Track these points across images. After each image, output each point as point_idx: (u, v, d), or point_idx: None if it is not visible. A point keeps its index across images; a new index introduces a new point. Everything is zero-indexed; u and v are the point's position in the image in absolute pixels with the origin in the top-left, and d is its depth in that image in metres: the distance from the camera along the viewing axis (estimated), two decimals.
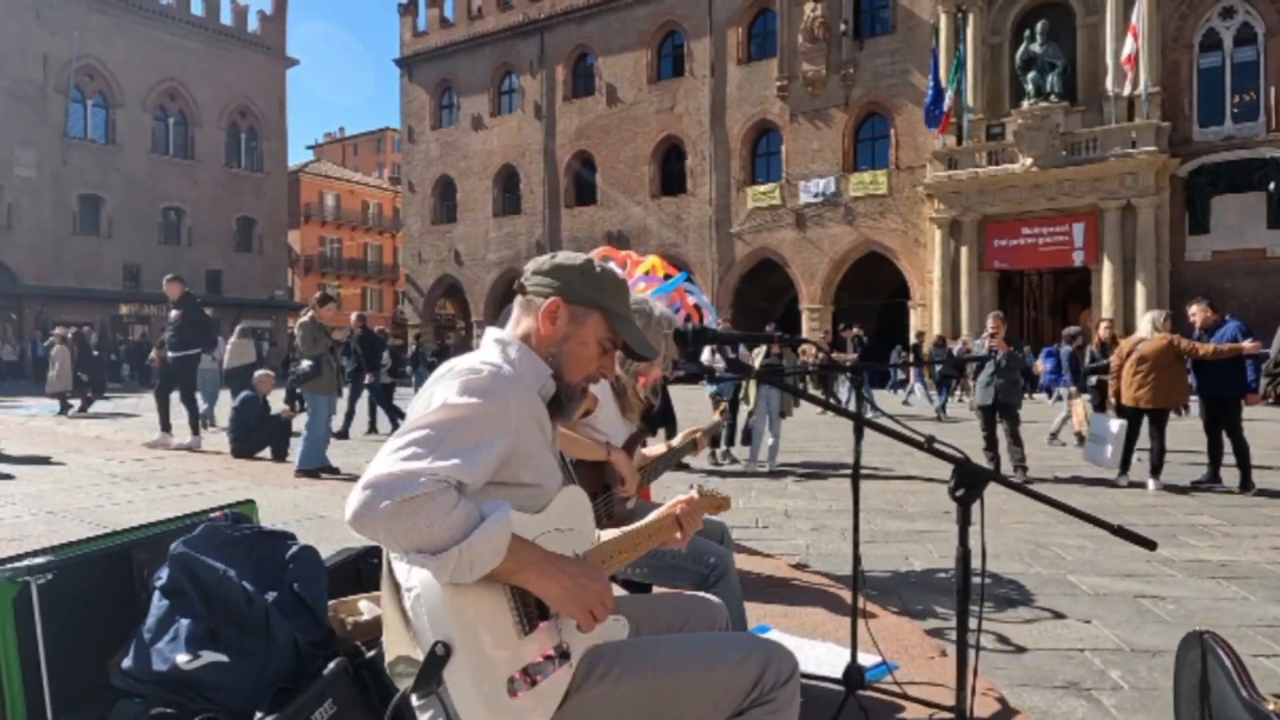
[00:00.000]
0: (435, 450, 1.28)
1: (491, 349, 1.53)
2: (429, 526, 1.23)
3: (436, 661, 1.26)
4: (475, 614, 1.31)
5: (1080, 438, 9.76)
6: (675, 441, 2.96)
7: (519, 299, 1.60)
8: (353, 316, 11.77)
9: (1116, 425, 7.38)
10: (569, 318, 1.54)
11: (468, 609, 1.30)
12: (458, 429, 1.32)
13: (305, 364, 7.76)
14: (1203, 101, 22.03)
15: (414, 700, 1.34)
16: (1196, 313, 7.71)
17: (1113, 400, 7.73)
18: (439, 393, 1.38)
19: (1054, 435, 10.48)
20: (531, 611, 1.36)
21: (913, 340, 23.18)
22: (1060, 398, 11.08)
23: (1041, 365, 11.81)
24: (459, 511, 1.25)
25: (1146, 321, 7.63)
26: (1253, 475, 6.96)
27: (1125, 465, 7.38)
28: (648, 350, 1.62)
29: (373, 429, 12.08)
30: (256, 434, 9.14)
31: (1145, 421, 7.38)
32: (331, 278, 49.81)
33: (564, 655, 1.39)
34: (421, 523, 1.22)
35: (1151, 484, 7.11)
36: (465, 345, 35.80)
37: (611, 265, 1.62)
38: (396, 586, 1.37)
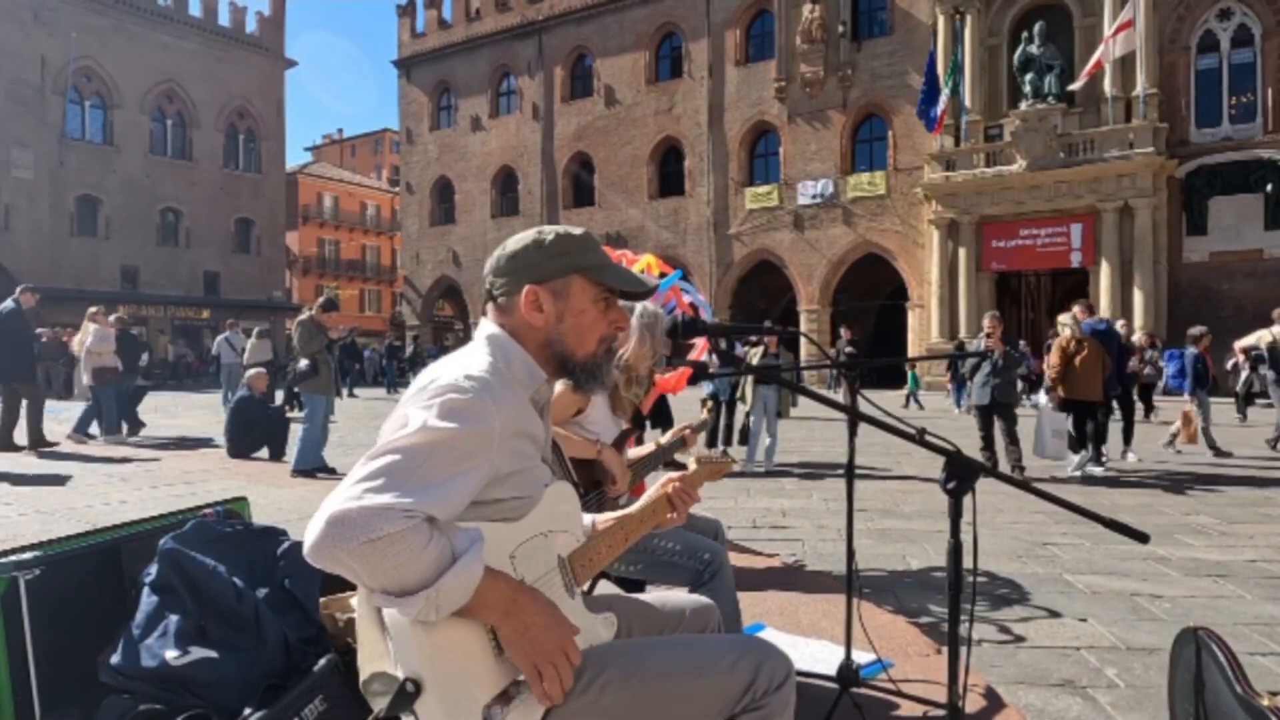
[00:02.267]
0: (407, 482, 1.17)
1: (481, 351, 1.41)
2: (396, 569, 1.14)
3: (406, 698, 1.19)
4: (447, 642, 1.23)
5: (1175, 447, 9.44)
6: (664, 439, 2.96)
7: (490, 307, 1.49)
8: (111, 318, 11.32)
9: (1064, 418, 7.97)
10: (551, 297, 1.43)
11: (439, 637, 1.22)
12: (434, 457, 1.21)
13: (303, 364, 7.77)
14: (1200, 103, 22.05)
15: None
16: (1079, 313, 8.55)
17: (1058, 396, 8.08)
18: (416, 414, 1.25)
19: (1212, 447, 9.39)
20: None
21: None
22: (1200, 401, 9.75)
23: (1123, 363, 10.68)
24: (430, 551, 1.16)
25: (1072, 320, 8.11)
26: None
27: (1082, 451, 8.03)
28: (639, 284, 1.51)
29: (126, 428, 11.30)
30: (253, 433, 9.13)
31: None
32: (330, 279, 49.77)
33: None
34: (389, 564, 1.13)
35: (1099, 470, 7.83)
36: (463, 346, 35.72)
37: (562, 227, 1.50)
38: None
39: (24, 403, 9.38)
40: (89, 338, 10.28)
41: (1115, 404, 9.24)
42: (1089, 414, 8.01)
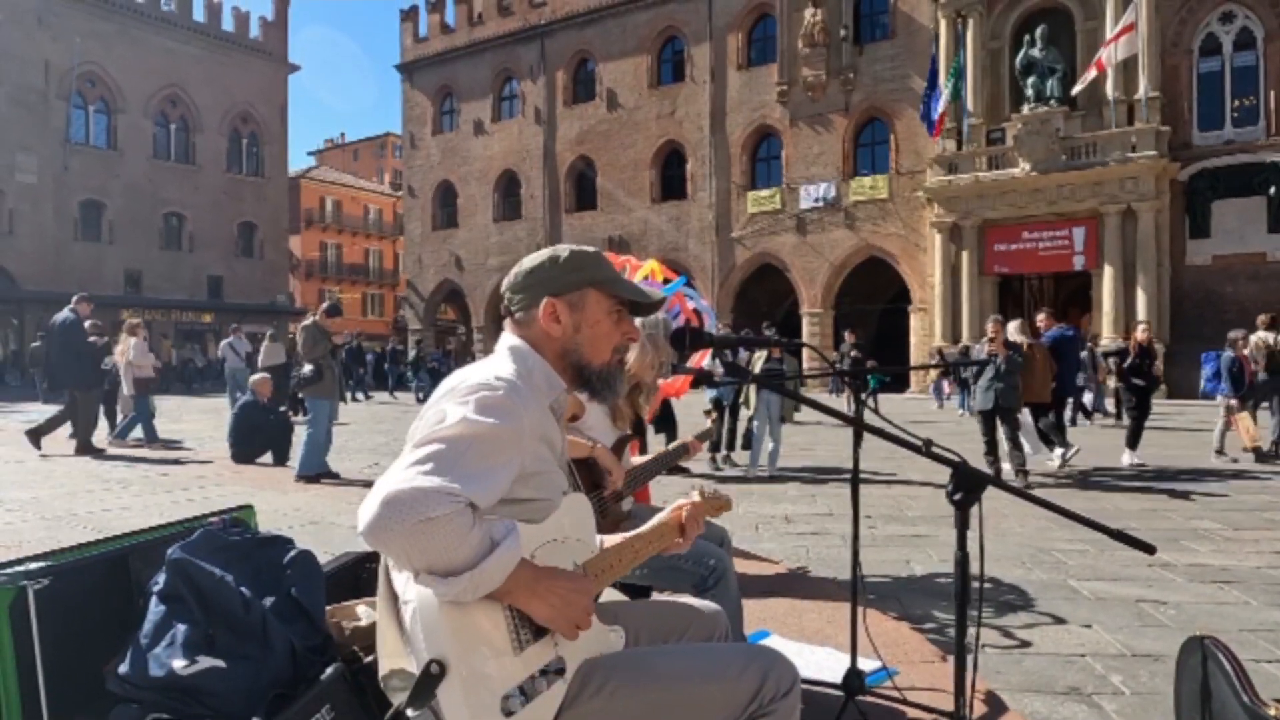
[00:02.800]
0: (453, 469, 1.24)
1: (505, 360, 1.49)
2: (445, 550, 1.20)
3: (430, 680, 1.24)
4: (472, 631, 1.29)
5: (1259, 452, 9.06)
6: (669, 447, 2.96)
7: (508, 322, 1.58)
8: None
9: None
10: (568, 309, 1.53)
11: (465, 626, 1.28)
12: (474, 449, 1.29)
13: (307, 369, 7.78)
14: (1202, 106, 22.04)
15: (409, 713, 1.33)
16: (1043, 321, 9.68)
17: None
18: (453, 409, 1.33)
19: (1219, 450, 9.29)
20: (527, 627, 1.35)
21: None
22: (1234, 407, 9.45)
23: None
24: (474, 535, 1.23)
25: (1018, 329, 8.66)
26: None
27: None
28: (648, 296, 1.62)
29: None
30: (257, 438, 9.14)
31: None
32: (332, 283, 49.81)
33: (559, 671, 1.37)
34: (439, 544, 1.20)
35: (1062, 453, 8.56)
36: (466, 350, 35.84)
37: (575, 246, 1.61)
38: (394, 597, 1.35)
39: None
40: (130, 351, 10.89)
41: (1132, 406, 9.25)
42: (1040, 414, 8.76)
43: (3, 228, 29.68)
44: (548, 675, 1.35)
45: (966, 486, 1.43)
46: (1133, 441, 9.07)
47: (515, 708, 1.29)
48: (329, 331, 7.95)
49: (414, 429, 1.36)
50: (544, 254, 1.57)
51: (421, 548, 1.20)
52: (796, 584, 4.23)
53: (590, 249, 1.60)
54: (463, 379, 1.41)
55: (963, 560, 1.45)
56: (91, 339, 9.93)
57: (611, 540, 1.63)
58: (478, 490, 1.26)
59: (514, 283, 1.57)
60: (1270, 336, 9.80)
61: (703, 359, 5.39)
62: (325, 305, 8.30)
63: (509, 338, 1.55)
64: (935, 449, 1.47)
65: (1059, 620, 3.62)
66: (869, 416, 1.93)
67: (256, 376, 9.88)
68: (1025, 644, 3.31)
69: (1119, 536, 1.41)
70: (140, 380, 10.94)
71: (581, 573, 1.46)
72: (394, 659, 1.32)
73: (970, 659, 1.50)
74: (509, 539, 1.27)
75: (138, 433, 10.92)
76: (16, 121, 29.59)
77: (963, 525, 1.46)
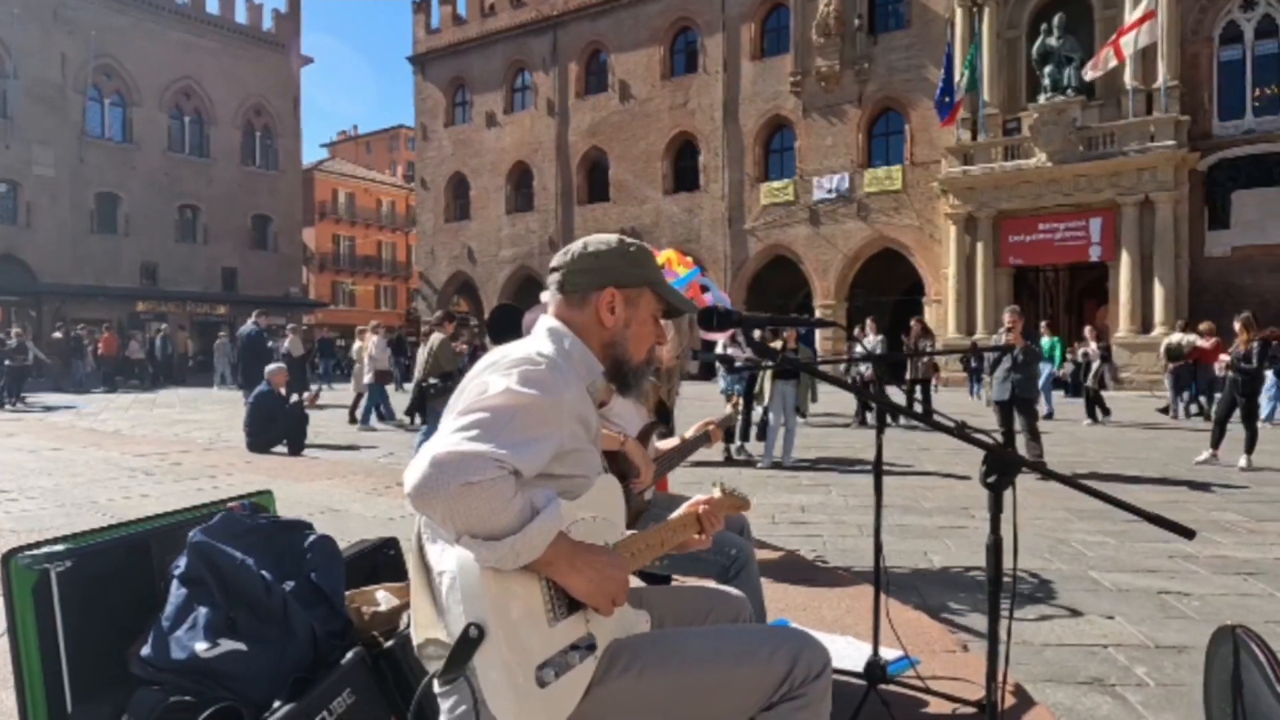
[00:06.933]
0: (497, 436, 1.26)
1: (544, 339, 1.49)
2: (490, 514, 1.22)
3: (469, 644, 1.24)
4: (511, 599, 1.30)
5: None
6: (689, 434, 2.94)
7: (558, 296, 1.56)
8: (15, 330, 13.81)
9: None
10: (624, 303, 1.54)
11: (505, 593, 1.29)
12: (517, 418, 1.30)
13: (433, 381, 8.12)
14: (1223, 95, 21.69)
15: (437, 687, 1.33)
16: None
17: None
18: (496, 380, 1.34)
19: None
20: (562, 601, 1.36)
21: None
22: None
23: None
24: (517, 502, 1.24)
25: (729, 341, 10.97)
26: None
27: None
28: (687, 304, 1.64)
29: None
30: (273, 428, 9.20)
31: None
32: (346, 275, 50.06)
33: (590, 647, 1.37)
34: (484, 508, 1.21)
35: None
36: (478, 342, 35.88)
37: (638, 241, 1.63)
38: (427, 569, 1.37)
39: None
40: (372, 347, 12.54)
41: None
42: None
43: (21, 220, 29.91)
44: (579, 650, 1.36)
45: (1000, 469, 1.40)
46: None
47: (549, 679, 1.30)
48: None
49: (453, 402, 1.37)
50: (611, 239, 1.58)
51: (465, 511, 1.21)
52: (813, 574, 4.20)
53: (647, 246, 1.63)
54: (504, 354, 1.42)
55: (996, 546, 1.43)
56: (270, 345, 11.43)
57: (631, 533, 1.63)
58: (521, 458, 1.27)
59: (574, 262, 1.55)
60: (1179, 336, 10.81)
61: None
62: (439, 315, 8.91)
63: (548, 319, 1.55)
64: (968, 431, 1.44)
65: (1080, 612, 3.58)
66: (892, 402, 1.90)
67: (272, 367, 9.96)
68: (1046, 635, 3.27)
69: (1156, 520, 1.38)
70: (379, 372, 12.49)
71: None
72: (428, 629, 1.34)
73: (1001, 648, 1.47)
74: (550, 507, 1.28)
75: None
76: (34, 115, 29.79)
77: (996, 509, 1.43)
